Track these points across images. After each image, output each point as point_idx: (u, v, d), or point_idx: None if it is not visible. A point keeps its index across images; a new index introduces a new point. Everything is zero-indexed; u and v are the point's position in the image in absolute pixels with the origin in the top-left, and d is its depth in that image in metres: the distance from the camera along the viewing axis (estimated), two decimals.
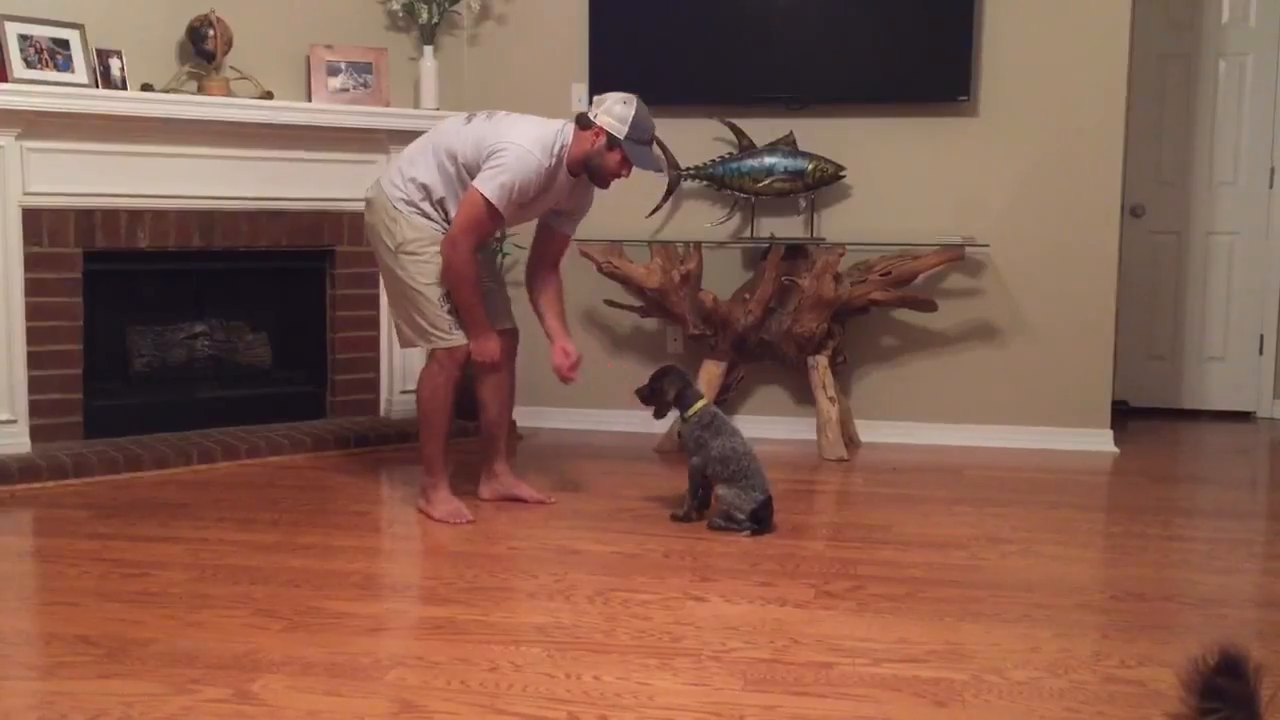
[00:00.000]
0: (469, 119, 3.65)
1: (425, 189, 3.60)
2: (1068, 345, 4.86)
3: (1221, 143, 5.66)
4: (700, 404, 3.64)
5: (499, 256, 5.13)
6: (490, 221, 3.53)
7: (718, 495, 3.55)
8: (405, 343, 3.77)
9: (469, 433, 4.94)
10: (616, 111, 3.53)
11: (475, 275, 3.57)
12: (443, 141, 3.61)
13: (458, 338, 3.61)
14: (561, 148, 3.56)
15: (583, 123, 3.57)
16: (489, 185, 3.45)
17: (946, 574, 3.17)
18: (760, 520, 3.50)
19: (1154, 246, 5.74)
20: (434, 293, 3.59)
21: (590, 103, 3.61)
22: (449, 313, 3.60)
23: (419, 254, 3.58)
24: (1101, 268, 4.82)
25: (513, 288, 5.24)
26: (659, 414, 3.74)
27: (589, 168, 3.59)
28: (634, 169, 3.59)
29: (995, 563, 3.29)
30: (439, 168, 3.59)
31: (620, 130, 3.51)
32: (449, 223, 3.58)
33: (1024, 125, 4.82)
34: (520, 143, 3.50)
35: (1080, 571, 3.28)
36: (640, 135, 3.55)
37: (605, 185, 3.68)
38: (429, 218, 3.61)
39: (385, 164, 4.90)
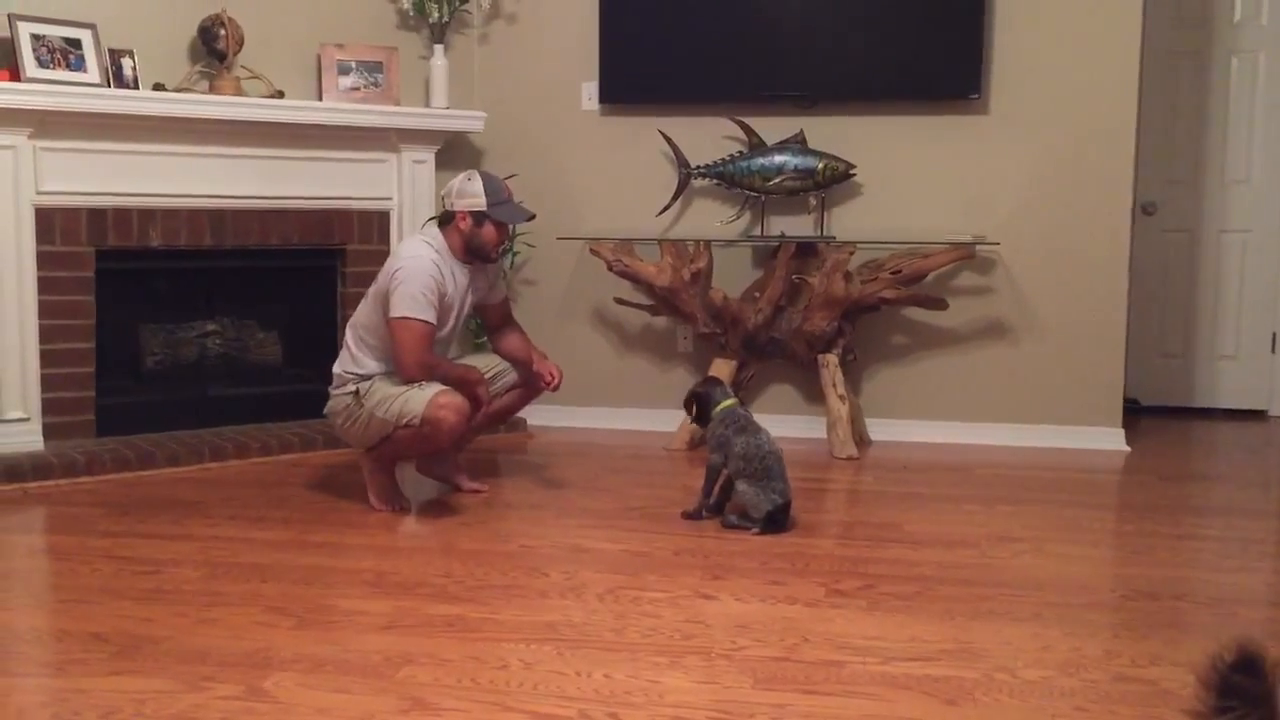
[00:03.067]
0: (366, 299, 3.84)
1: (361, 376, 3.72)
2: (1079, 343, 4.85)
3: (1234, 141, 5.64)
4: (728, 403, 3.66)
5: (510, 255, 5.15)
6: (425, 332, 3.62)
7: (738, 490, 3.55)
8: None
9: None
10: (467, 189, 3.77)
11: (438, 364, 3.69)
12: (358, 326, 3.78)
13: (427, 392, 3.59)
14: (439, 243, 3.76)
15: (445, 219, 3.82)
16: (402, 304, 3.60)
17: (957, 572, 3.17)
18: (775, 523, 3.50)
19: (1166, 245, 5.72)
20: (383, 409, 3.64)
21: (489, 190, 3.77)
22: (405, 394, 3.62)
23: (386, 396, 3.67)
24: (1113, 266, 4.81)
25: (523, 286, 5.26)
26: (699, 420, 3.75)
27: (472, 250, 3.78)
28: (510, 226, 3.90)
29: (1006, 561, 3.29)
30: (365, 347, 3.74)
31: (479, 204, 3.74)
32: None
33: (1035, 123, 4.81)
34: (405, 255, 3.73)
35: (1091, 570, 3.27)
36: (497, 198, 3.78)
37: (494, 258, 3.91)
38: (375, 374, 3.73)
39: (395, 163, 4.94)
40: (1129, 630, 2.76)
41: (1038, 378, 4.89)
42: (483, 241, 3.77)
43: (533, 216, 3.94)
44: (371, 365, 3.72)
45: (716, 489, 3.64)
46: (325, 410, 3.86)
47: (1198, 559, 3.38)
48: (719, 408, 3.64)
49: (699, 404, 3.69)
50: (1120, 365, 4.87)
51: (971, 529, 3.61)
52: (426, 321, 3.61)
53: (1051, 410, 4.88)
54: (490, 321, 4.06)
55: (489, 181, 3.78)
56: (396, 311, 3.60)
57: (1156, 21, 5.22)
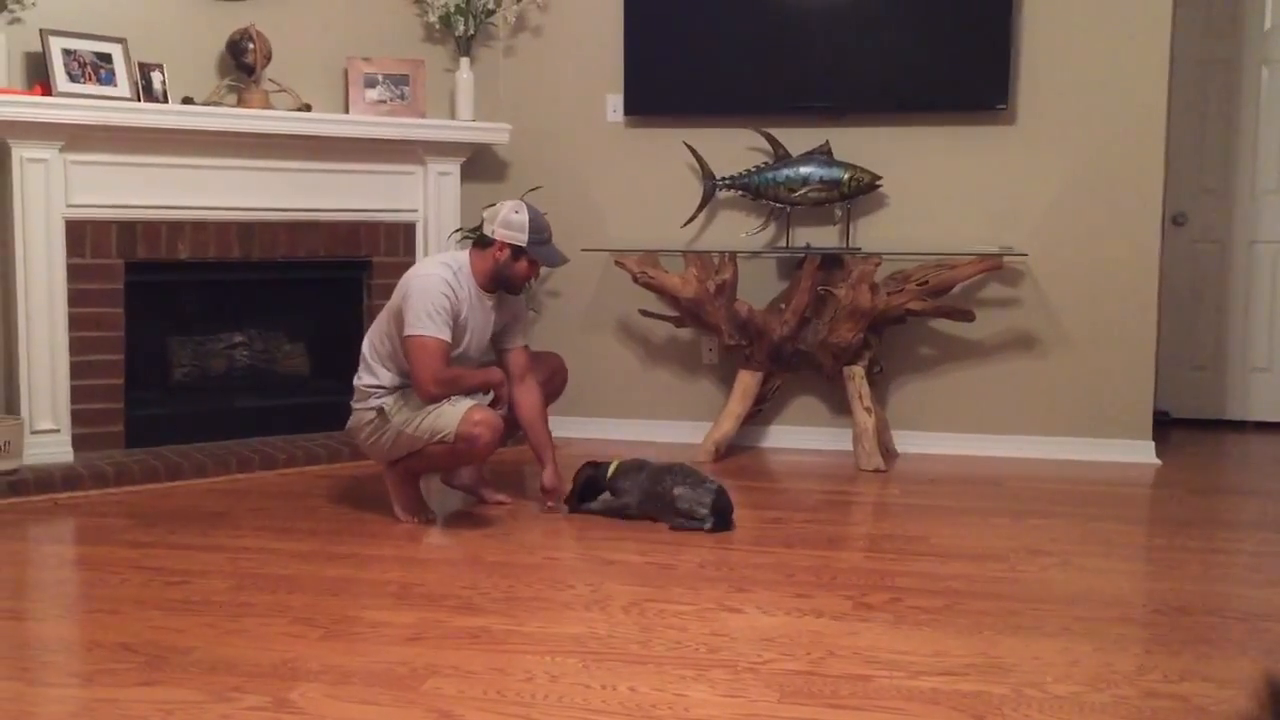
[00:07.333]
0: (381, 314, 3.82)
1: (382, 387, 3.71)
2: (1108, 355, 4.81)
3: (1264, 150, 5.59)
4: (614, 464, 3.84)
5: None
6: (439, 349, 3.59)
7: (675, 495, 3.67)
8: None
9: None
10: (513, 221, 3.71)
11: (456, 375, 3.65)
12: (372, 339, 3.78)
13: (460, 408, 3.58)
14: (460, 265, 3.72)
15: (483, 242, 3.76)
16: (414, 323, 3.58)
17: (985, 586, 3.14)
18: (721, 508, 3.62)
19: (1196, 255, 5.68)
20: (413, 426, 3.63)
21: (501, 216, 3.74)
22: (438, 409, 3.60)
23: (409, 417, 3.66)
24: (1142, 277, 4.77)
25: (548, 298, 5.27)
26: (585, 497, 3.87)
27: (500, 280, 3.76)
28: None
29: (1035, 575, 3.26)
30: (379, 358, 3.73)
31: (521, 239, 3.71)
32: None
33: (1063, 133, 4.78)
34: (417, 274, 3.70)
35: (1122, 584, 3.24)
36: (540, 237, 3.74)
37: (519, 291, 3.87)
38: (399, 388, 3.72)
39: (420, 175, 4.96)
40: (1160, 645, 2.73)
41: (1066, 390, 4.85)
42: (513, 275, 3.75)
43: (568, 260, 3.95)
44: (388, 377, 3.72)
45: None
46: (348, 425, 3.86)
47: (1230, 574, 3.35)
48: (610, 470, 3.82)
49: (591, 482, 3.85)
50: (1150, 377, 4.83)
51: (1000, 542, 3.58)
52: (440, 339, 3.58)
53: (1081, 423, 4.84)
54: (509, 368, 3.89)
55: (535, 218, 3.74)
56: (409, 330, 3.58)
57: (1186, 30, 5.19)
